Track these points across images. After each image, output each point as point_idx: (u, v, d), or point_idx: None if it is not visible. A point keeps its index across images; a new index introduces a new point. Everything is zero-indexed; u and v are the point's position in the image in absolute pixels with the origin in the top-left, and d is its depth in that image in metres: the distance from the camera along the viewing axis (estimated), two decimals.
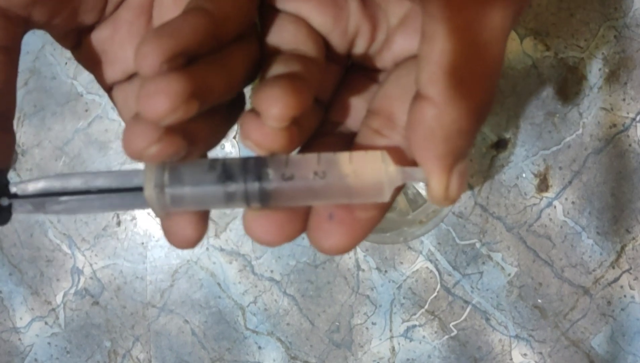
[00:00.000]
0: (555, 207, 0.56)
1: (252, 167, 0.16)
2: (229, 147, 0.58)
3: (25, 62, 0.62)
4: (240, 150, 0.57)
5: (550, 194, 0.56)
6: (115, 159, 0.61)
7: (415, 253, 0.57)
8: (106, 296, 0.61)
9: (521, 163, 0.56)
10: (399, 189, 0.17)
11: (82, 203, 0.17)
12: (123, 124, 0.25)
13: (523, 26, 0.55)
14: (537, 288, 0.56)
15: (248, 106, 0.18)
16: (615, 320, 0.56)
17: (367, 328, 0.58)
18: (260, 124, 0.16)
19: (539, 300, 0.56)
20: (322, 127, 0.20)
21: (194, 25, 0.16)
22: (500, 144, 0.56)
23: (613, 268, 0.55)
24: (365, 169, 0.16)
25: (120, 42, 0.20)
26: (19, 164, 0.62)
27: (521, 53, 0.55)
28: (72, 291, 0.62)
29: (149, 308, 0.61)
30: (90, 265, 0.61)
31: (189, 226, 0.18)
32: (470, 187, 0.56)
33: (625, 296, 0.55)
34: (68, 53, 0.28)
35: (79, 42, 0.20)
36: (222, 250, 0.59)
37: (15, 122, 0.34)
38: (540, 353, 0.57)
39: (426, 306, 0.57)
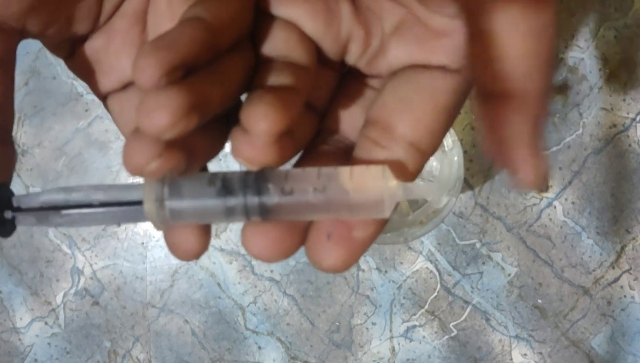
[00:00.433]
0: (555, 207, 0.56)
1: (252, 181, 0.16)
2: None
3: (25, 62, 0.62)
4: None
5: (550, 194, 0.56)
6: (115, 159, 0.61)
7: (415, 253, 0.57)
8: (106, 297, 0.61)
9: None
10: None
11: (84, 215, 0.17)
12: None
13: None
14: (537, 288, 0.56)
15: None
16: (615, 320, 0.56)
17: (367, 328, 0.58)
18: (250, 139, 0.16)
19: (539, 300, 0.56)
20: (319, 136, 0.20)
21: (191, 36, 0.16)
22: None
23: (613, 268, 0.55)
24: (366, 185, 0.16)
25: (115, 51, 0.20)
26: (19, 165, 0.62)
27: None
28: (72, 291, 0.62)
29: (149, 308, 0.61)
30: (90, 265, 0.61)
31: (191, 238, 0.17)
32: (471, 187, 0.56)
33: (625, 296, 0.55)
34: None
35: (73, 52, 0.20)
36: (222, 250, 0.59)
37: (15, 122, 0.34)
38: (540, 353, 0.57)
39: (426, 307, 0.57)
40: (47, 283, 0.62)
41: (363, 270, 0.58)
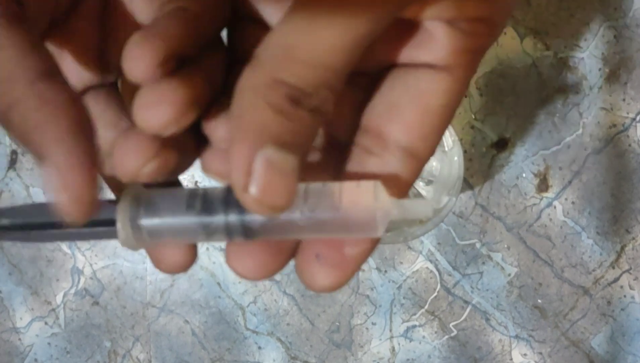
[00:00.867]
0: (555, 207, 0.56)
1: (234, 200, 0.14)
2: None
3: None
4: None
5: (550, 194, 0.56)
6: None
7: (415, 253, 0.57)
8: (106, 297, 0.61)
9: (521, 163, 0.56)
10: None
11: (63, 232, 0.15)
12: None
13: (523, 25, 0.55)
14: (537, 288, 0.56)
15: None
16: (615, 320, 0.56)
17: (367, 328, 0.58)
18: (221, 154, 0.15)
19: (539, 300, 0.56)
20: None
21: (181, 26, 0.15)
22: (500, 144, 0.56)
23: (613, 268, 0.55)
24: (357, 204, 0.15)
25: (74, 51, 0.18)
26: (19, 164, 0.62)
27: (521, 53, 0.55)
28: (72, 291, 0.62)
29: (149, 308, 0.61)
30: (90, 265, 0.61)
31: (177, 253, 0.16)
32: (471, 187, 0.56)
33: (625, 296, 0.55)
34: None
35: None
36: (222, 250, 0.59)
37: None
38: (540, 353, 0.57)
39: (426, 307, 0.57)
40: (47, 282, 0.62)
41: (363, 270, 0.58)
